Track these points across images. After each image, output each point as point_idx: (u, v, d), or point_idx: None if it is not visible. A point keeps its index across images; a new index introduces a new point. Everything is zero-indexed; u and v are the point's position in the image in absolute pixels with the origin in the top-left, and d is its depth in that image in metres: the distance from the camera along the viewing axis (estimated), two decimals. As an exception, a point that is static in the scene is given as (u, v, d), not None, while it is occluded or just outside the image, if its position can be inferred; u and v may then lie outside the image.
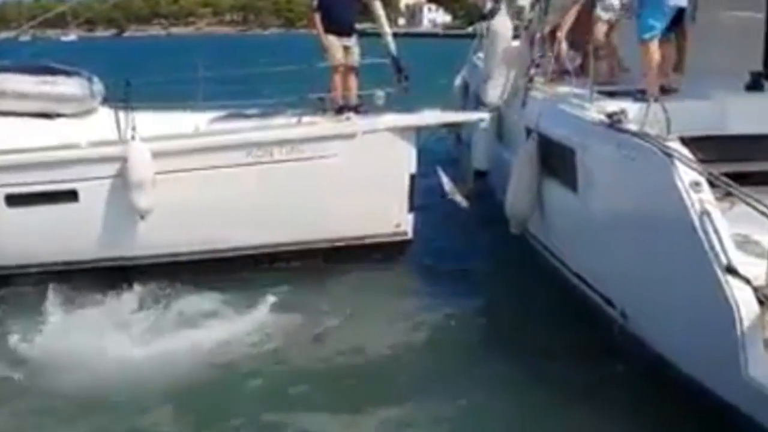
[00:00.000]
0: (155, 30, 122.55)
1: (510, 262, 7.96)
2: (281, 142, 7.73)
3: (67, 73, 8.81)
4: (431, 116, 8.12)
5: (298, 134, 7.79)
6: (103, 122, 7.99)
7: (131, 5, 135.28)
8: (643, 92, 6.40)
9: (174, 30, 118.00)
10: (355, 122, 7.91)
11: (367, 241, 8.14)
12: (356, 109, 8.12)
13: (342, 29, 8.31)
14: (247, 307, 7.01)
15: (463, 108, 11.92)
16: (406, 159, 8.01)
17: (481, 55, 12.69)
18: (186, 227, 7.69)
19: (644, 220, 5.28)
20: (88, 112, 8.63)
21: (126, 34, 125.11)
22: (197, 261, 7.77)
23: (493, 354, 5.86)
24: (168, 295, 7.27)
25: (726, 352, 4.25)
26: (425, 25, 72.53)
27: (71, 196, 7.55)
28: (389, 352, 6.19)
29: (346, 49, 8.33)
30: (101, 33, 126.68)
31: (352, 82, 8.28)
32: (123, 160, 7.41)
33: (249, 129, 7.95)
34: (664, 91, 6.44)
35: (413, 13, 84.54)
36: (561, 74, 8.21)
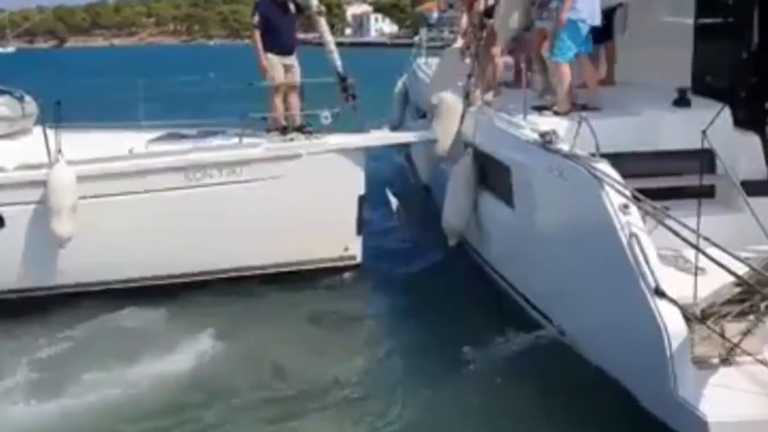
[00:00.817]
0: (97, 41, 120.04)
1: (455, 279, 7.75)
2: (220, 164, 7.34)
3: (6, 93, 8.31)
4: (379, 137, 7.84)
5: (238, 156, 7.41)
6: (35, 143, 7.48)
7: (72, 16, 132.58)
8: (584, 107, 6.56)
9: (116, 41, 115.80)
10: (299, 143, 7.55)
11: (315, 265, 7.80)
12: (301, 130, 7.76)
13: (283, 47, 7.95)
14: (185, 337, 6.57)
15: (402, 115, 11.75)
16: (354, 180, 7.70)
17: (420, 62, 12.63)
18: (118, 254, 7.25)
19: (577, 240, 5.32)
20: (20, 133, 8.17)
21: (67, 45, 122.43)
22: (130, 289, 7.34)
23: (435, 372, 5.73)
24: (95, 328, 6.82)
25: (656, 371, 4.36)
26: (372, 35, 72.31)
27: None
28: (334, 380, 5.87)
29: (287, 68, 7.97)
30: (41, 44, 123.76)
31: (295, 101, 7.93)
32: (46, 184, 6.96)
33: (186, 151, 7.52)
34: (586, 108, 6.52)
35: (360, 23, 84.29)
36: (499, 87, 8.22)
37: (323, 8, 8.03)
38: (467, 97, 7.85)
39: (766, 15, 6.38)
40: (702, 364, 4.40)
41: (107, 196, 7.16)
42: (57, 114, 7.27)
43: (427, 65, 12.21)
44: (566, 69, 6.73)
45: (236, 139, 7.61)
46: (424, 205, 9.03)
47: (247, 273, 7.64)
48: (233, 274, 7.60)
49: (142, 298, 7.26)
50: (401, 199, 8.03)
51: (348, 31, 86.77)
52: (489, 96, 7.97)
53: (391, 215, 7.98)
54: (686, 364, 4.30)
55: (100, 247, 7.14)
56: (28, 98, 8.55)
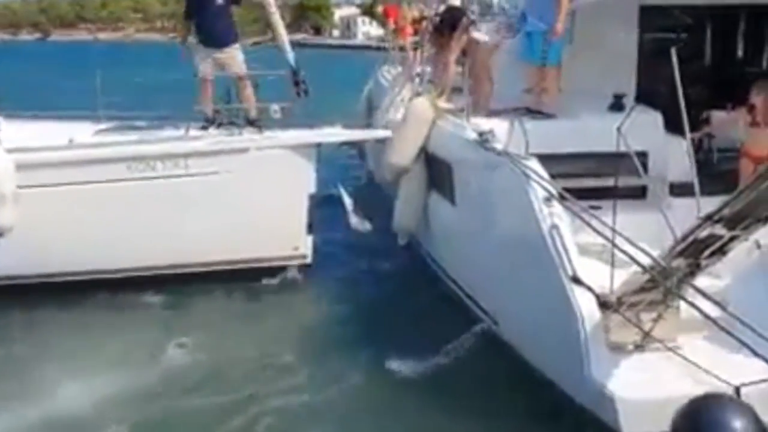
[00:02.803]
0: (81, 35, 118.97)
1: (405, 278, 7.65)
2: (163, 156, 7.09)
3: None
4: (331, 133, 7.59)
5: (181, 148, 7.16)
6: None
7: (57, 9, 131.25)
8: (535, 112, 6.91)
9: (102, 35, 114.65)
10: (246, 137, 7.31)
11: (263, 264, 7.55)
12: (252, 123, 7.52)
13: (210, 40, 7.69)
14: (125, 338, 6.40)
15: (369, 121, 11.54)
16: (304, 178, 7.47)
17: (383, 69, 12.48)
18: (58, 246, 7.01)
19: (506, 233, 5.70)
20: None
21: (51, 38, 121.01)
22: (65, 284, 7.08)
23: (376, 371, 5.71)
24: (31, 323, 6.59)
25: (571, 353, 4.62)
26: (359, 38, 72.19)
27: None
28: (274, 384, 5.64)
29: (219, 61, 7.70)
30: (25, 37, 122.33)
31: (247, 93, 7.65)
32: None
33: (128, 141, 7.26)
34: (544, 114, 6.90)
35: (348, 25, 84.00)
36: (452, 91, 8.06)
37: None
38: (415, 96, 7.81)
39: (710, 30, 7.14)
40: (618, 350, 4.61)
41: (47, 186, 6.89)
42: None
43: (389, 72, 12.07)
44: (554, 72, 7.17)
45: (182, 132, 7.35)
46: (376, 203, 8.79)
47: (192, 269, 7.38)
48: (177, 270, 7.33)
49: (81, 292, 7.04)
50: (354, 198, 7.80)
51: (336, 33, 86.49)
52: (443, 101, 7.81)
53: (343, 214, 7.74)
54: (599, 346, 4.57)
55: (40, 238, 6.87)
56: None
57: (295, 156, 7.38)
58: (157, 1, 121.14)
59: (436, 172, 7.18)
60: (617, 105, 6.74)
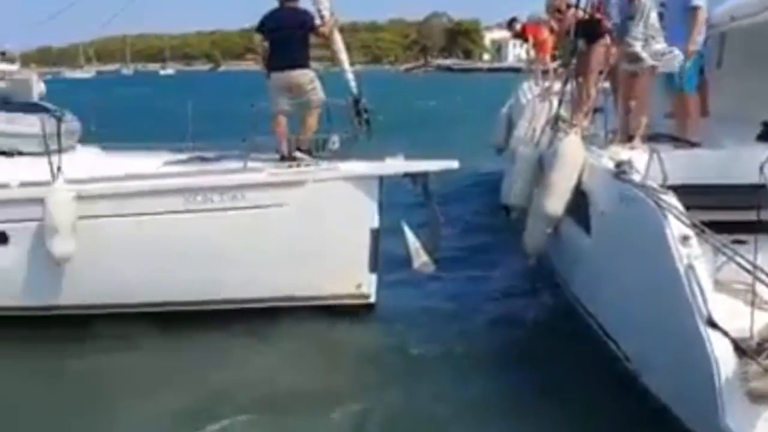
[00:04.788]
0: (249, 65, 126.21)
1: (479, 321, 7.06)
2: (220, 189, 6.89)
3: (36, 110, 8.28)
4: (394, 165, 7.09)
5: (237, 180, 6.93)
6: (76, 160, 7.43)
7: (228, 41, 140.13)
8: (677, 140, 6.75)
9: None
10: (304, 169, 6.98)
11: (322, 302, 7.17)
12: (310, 154, 7.17)
13: (282, 63, 7.34)
14: (183, 369, 6.33)
15: (507, 139, 11.01)
16: (365, 211, 7.03)
17: (524, 86, 11.99)
18: (115, 277, 6.97)
19: (640, 269, 5.45)
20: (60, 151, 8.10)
21: (221, 68, 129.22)
22: (113, 315, 7.02)
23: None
24: (82, 353, 6.59)
25: (707, 401, 4.41)
26: (510, 61, 71.26)
27: (1, 238, 6.98)
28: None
29: (292, 87, 7.36)
30: (198, 67, 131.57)
31: (310, 122, 7.31)
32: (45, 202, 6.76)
33: (186, 173, 7.14)
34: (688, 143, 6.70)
35: (498, 49, 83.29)
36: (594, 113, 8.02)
37: (338, 19, 7.41)
38: (556, 123, 7.64)
39: None
40: (759, 399, 4.35)
41: (106, 216, 6.89)
42: (60, 132, 7.28)
43: (530, 90, 11.81)
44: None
45: (242, 163, 7.13)
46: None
47: (247, 305, 7.11)
48: (232, 305, 7.10)
49: (138, 325, 6.92)
50: (418, 235, 7.23)
51: (486, 56, 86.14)
52: (585, 123, 7.65)
53: (407, 252, 7.20)
54: (737, 395, 4.35)
55: (98, 268, 6.89)
56: (69, 116, 8.50)
57: (355, 188, 6.96)
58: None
59: (572, 196, 6.82)
60: (767, 134, 6.50)
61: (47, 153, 6.94)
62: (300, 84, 7.30)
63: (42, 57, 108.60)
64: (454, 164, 7.00)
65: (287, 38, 7.27)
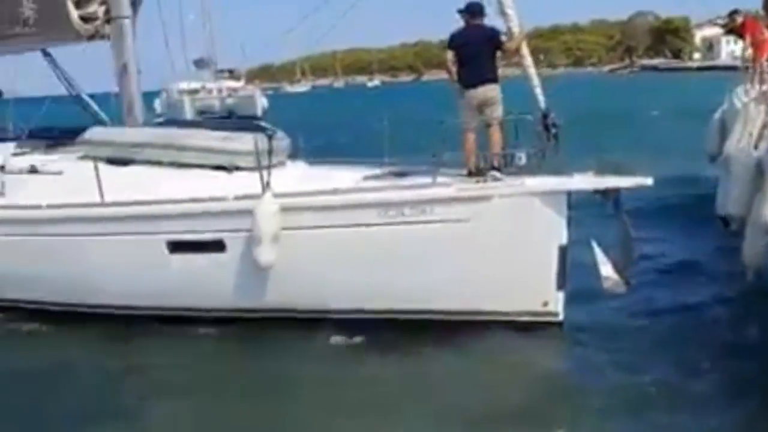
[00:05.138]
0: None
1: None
2: (412, 203, 7.10)
3: (252, 129, 8.97)
4: (583, 180, 6.91)
5: (426, 195, 7.10)
6: (284, 175, 8.01)
7: (429, 52, 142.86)
8: None
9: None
10: (490, 184, 7.01)
11: (507, 318, 7.15)
12: (497, 169, 7.18)
13: (472, 79, 7.40)
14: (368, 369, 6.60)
15: (720, 145, 10.37)
16: (554, 228, 6.93)
17: (739, 90, 11.36)
18: (315, 284, 7.42)
19: None
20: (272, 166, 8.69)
21: (424, 78, 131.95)
22: (325, 319, 7.47)
23: None
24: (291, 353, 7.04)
25: None
26: (722, 59, 66.08)
27: (219, 246, 7.65)
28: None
29: (482, 102, 7.40)
30: (402, 78, 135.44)
31: (496, 137, 7.33)
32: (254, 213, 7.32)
33: (380, 188, 7.42)
34: None
35: (710, 46, 77.67)
36: None
37: (525, 33, 7.34)
38: None
39: None
40: None
41: (307, 228, 7.34)
42: (271, 149, 7.81)
43: (745, 92, 11.12)
44: None
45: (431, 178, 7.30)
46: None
47: (435, 316, 7.29)
48: (421, 315, 7.30)
49: (341, 329, 7.34)
50: (610, 253, 6.97)
51: (696, 55, 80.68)
52: None
53: (598, 272, 6.97)
54: None
55: (300, 276, 7.36)
56: (279, 134, 9.13)
57: (542, 204, 6.88)
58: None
59: None
60: None
61: (258, 168, 7.51)
62: (490, 99, 7.36)
63: (264, 73, 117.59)
64: (648, 181, 6.69)
65: (476, 54, 7.36)
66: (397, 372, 6.66)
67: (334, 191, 7.44)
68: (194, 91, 49.34)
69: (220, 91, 50.96)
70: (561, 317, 7.12)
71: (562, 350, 7.14)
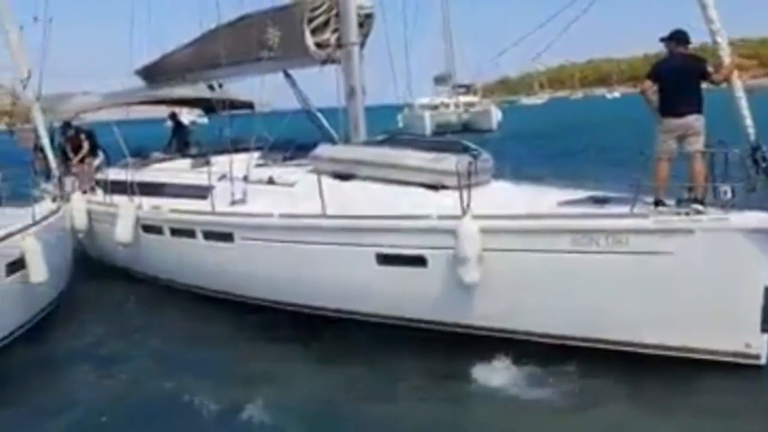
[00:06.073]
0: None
1: None
2: (607, 232, 7.08)
3: (458, 150, 9.41)
4: (796, 217, 6.46)
5: (622, 225, 7.03)
6: (486, 195, 8.41)
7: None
8: None
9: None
10: (692, 218, 6.78)
11: (704, 356, 6.89)
12: (700, 202, 6.93)
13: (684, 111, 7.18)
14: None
15: None
16: (759, 266, 6.57)
17: None
18: (511, 306, 7.63)
19: None
20: (475, 186, 8.82)
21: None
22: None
23: None
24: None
25: None
26: None
27: (421, 261, 8.11)
28: None
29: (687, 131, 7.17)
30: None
31: (698, 169, 7.06)
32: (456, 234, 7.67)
33: (575, 215, 7.47)
34: None
35: None
36: None
37: (734, 60, 6.97)
38: None
39: None
40: None
41: (503, 250, 7.55)
42: (473, 170, 8.14)
43: None
44: None
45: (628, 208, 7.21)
46: None
47: (625, 348, 7.21)
48: (609, 346, 7.26)
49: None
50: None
51: None
52: None
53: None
54: None
55: (498, 296, 7.60)
56: (484, 156, 9.51)
57: (747, 241, 6.54)
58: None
59: None
60: None
61: (459, 188, 7.90)
62: (694, 129, 7.15)
63: (502, 87, 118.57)
64: None
65: (682, 83, 7.18)
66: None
67: (529, 216, 7.61)
68: (434, 107, 51.73)
69: (457, 106, 52.96)
70: (764, 360, 6.73)
71: (760, 392, 6.70)
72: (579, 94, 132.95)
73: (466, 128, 45.89)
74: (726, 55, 7.03)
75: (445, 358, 7.78)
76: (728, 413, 6.44)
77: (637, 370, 7.02)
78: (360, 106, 10.68)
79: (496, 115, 50.22)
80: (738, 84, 7.01)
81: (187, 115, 18.62)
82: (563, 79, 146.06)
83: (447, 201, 8.15)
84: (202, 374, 7.90)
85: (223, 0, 11.29)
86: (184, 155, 13.95)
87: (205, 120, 18.19)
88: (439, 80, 55.66)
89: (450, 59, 55.71)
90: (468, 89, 56.07)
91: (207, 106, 15.03)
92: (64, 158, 13.48)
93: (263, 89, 11.75)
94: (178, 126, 15.74)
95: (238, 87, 14.35)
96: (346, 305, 8.82)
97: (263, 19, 11.07)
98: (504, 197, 8.68)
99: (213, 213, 10.11)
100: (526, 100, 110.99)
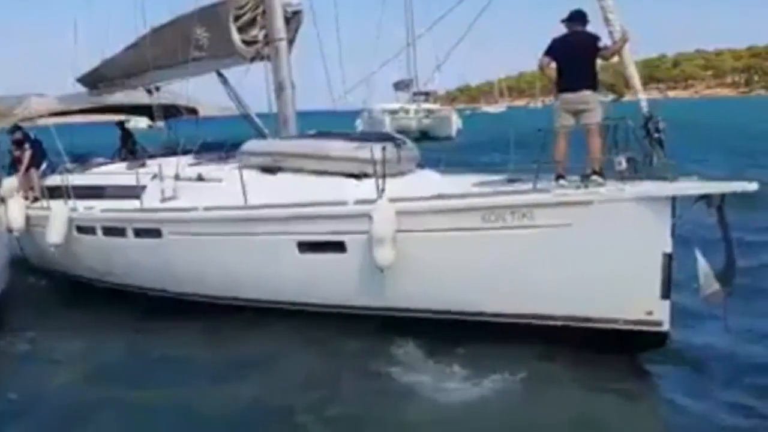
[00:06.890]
0: (652, 94, 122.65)
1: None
2: (512, 208, 7.28)
3: (383, 140, 9.56)
4: (687, 186, 6.71)
5: (525, 200, 7.25)
6: (408, 182, 8.59)
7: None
8: None
9: (671, 93, 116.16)
10: (590, 190, 7.01)
11: (608, 325, 7.09)
12: (600, 175, 7.17)
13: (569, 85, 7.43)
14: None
15: None
16: (657, 234, 6.79)
17: None
18: (425, 286, 7.79)
19: None
20: (398, 174, 9.08)
21: (624, 99, 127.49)
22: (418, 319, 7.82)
23: None
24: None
25: None
26: None
27: (340, 247, 8.25)
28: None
29: (577, 109, 7.41)
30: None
31: (594, 143, 7.30)
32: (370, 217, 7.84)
33: (482, 194, 7.66)
34: None
35: None
36: None
37: (627, 38, 7.26)
38: None
39: None
40: None
41: (416, 231, 7.72)
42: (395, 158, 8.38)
43: None
44: None
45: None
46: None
47: (530, 321, 7.41)
48: (517, 320, 7.45)
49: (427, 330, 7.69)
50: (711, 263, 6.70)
51: None
52: None
53: (698, 281, 6.72)
54: None
55: (411, 277, 7.77)
56: (410, 145, 9.69)
57: (645, 210, 6.77)
58: (730, 57, 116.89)
59: None
60: None
61: (375, 176, 8.05)
62: (587, 104, 7.39)
63: (462, 95, 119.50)
64: (753, 186, 6.38)
65: (575, 60, 7.42)
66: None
67: (441, 196, 7.78)
68: (394, 111, 51.74)
69: (417, 111, 53.13)
70: (666, 327, 6.92)
71: (662, 358, 6.95)
72: (538, 103, 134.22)
73: (425, 135, 45.99)
74: (616, 32, 7.29)
75: (368, 343, 7.89)
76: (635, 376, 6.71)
77: (547, 347, 7.18)
78: (289, 102, 10.74)
79: (456, 123, 50.53)
80: (629, 58, 7.26)
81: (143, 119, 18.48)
82: (523, 87, 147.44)
83: (368, 188, 8.31)
84: (136, 374, 7.83)
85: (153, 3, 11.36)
86: (124, 159, 13.93)
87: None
88: (400, 86, 55.69)
89: (412, 66, 55.81)
90: (428, 96, 56.20)
91: (149, 113, 15.01)
92: (12, 162, 13.39)
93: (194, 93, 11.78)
94: (125, 133, 15.72)
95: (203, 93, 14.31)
96: (272, 295, 8.90)
97: (191, 20, 11.15)
98: (426, 184, 8.84)
99: (142, 210, 10.14)
100: (486, 108, 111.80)
